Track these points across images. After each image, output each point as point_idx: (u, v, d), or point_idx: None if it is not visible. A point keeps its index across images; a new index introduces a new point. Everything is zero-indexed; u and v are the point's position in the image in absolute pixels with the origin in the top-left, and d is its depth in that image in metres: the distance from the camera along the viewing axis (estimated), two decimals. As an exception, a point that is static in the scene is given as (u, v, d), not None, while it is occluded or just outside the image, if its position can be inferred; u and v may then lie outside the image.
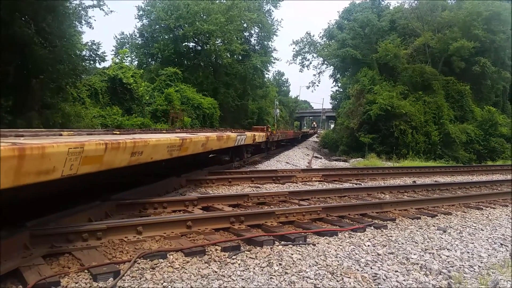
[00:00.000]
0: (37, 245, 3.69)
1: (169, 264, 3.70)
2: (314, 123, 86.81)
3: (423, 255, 4.57)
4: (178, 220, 4.73)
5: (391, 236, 5.31)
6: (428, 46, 31.28)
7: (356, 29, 35.45)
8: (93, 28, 15.70)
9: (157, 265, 3.66)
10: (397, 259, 4.39)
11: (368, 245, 4.81)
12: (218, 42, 31.93)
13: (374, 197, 8.16)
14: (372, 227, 5.65)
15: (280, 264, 3.93)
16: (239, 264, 3.86)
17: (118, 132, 7.87)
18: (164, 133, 9.68)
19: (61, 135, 5.74)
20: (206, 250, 4.11)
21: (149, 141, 5.21)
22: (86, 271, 3.40)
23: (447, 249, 4.88)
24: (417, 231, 5.71)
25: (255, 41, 40.34)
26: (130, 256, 3.77)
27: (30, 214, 4.26)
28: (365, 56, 34.57)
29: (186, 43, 34.03)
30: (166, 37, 32.48)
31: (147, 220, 4.58)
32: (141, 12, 33.16)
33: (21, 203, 4.73)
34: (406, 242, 5.07)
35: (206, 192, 7.99)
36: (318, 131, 73.32)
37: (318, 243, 4.73)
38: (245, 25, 35.49)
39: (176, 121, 22.35)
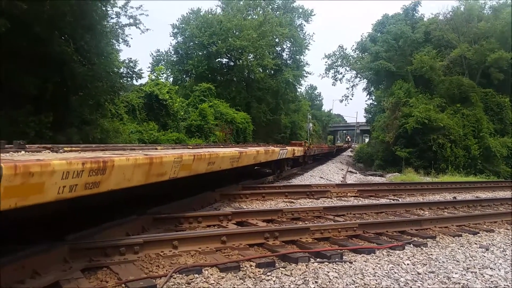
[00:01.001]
0: (76, 259, 3.77)
1: (204, 280, 3.70)
2: (348, 137, 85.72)
3: (465, 274, 4.37)
4: (213, 235, 4.74)
5: (431, 255, 5.12)
6: (465, 57, 30.44)
7: (389, 41, 35.02)
8: (130, 46, 16.19)
9: (193, 280, 3.66)
10: (438, 278, 4.21)
11: (408, 264, 4.65)
12: (250, 58, 32.29)
13: (412, 214, 7.93)
14: (411, 245, 5.48)
15: (316, 282, 3.85)
16: (274, 281, 3.81)
17: (190, 147, 10.26)
18: (221, 147, 10.97)
19: (156, 149, 7.38)
20: (241, 266, 4.09)
21: (219, 154, 6.69)
22: (123, 285, 3.44)
23: (490, 268, 4.66)
24: (458, 249, 5.48)
25: (287, 55, 40.56)
26: (166, 270, 3.79)
27: (69, 227, 4.37)
28: (399, 69, 34.02)
29: (219, 59, 34.59)
30: (199, 53, 33.15)
31: (182, 235, 4.61)
32: (175, 30, 34.07)
33: (61, 216, 4.89)
34: (447, 261, 4.87)
35: (240, 207, 7.99)
36: (352, 145, 72.31)
37: (355, 261, 4.62)
38: (277, 40, 35.75)
39: (226, 137, 23.28)
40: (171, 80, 33.36)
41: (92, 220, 4.76)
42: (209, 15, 33.54)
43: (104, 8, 12.90)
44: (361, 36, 42.68)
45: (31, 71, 10.77)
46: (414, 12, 38.65)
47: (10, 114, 10.67)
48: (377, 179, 20.32)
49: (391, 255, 4.97)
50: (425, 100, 29.18)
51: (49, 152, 4.66)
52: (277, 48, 37.74)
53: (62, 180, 3.06)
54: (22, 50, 10.56)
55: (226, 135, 24.55)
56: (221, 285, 3.62)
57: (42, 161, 2.96)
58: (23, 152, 4.27)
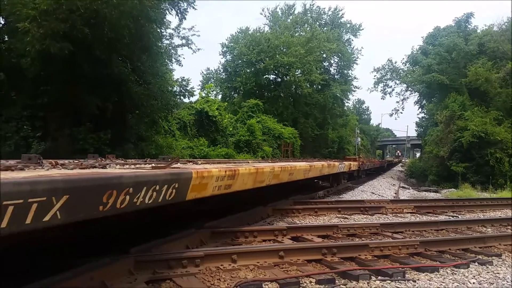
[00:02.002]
0: (141, 271, 3.88)
1: (265, 295, 3.69)
2: (399, 151, 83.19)
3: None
4: (271, 249, 4.73)
5: (498, 273, 4.85)
6: (522, 69, 28.80)
7: (442, 53, 33.90)
8: (182, 66, 16.81)
9: (254, 294, 3.66)
10: (509, 299, 3.96)
11: (474, 283, 4.44)
12: (297, 73, 32.42)
13: (474, 231, 7.53)
14: (476, 263, 5.23)
15: (379, 300, 3.73)
16: (335, 298, 3.73)
17: (271, 161, 11.90)
18: (291, 162, 11.92)
19: (248, 162, 8.84)
20: (301, 282, 4.04)
21: (296, 166, 8.12)
22: (187, 297, 3.50)
23: None
24: (527, 268, 5.13)
25: (335, 70, 40.37)
26: (228, 284, 3.82)
27: (130, 240, 4.52)
28: (452, 81, 32.79)
29: (267, 76, 35.01)
30: (248, 70, 33.72)
31: (241, 249, 4.64)
32: (225, 49, 34.96)
33: (125, 231, 5.09)
34: (517, 281, 4.57)
35: (293, 221, 7.94)
36: (403, 160, 70.06)
37: (418, 279, 4.44)
38: (324, 55, 35.73)
39: (286, 152, 23.96)
40: (220, 97, 34.15)
41: (153, 234, 4.90)
42: (257, 34, 34.19)
43: (159, 30, 13.49)
44: (412, 48, 41.64)
45: (92, 91, 11.41)
46: (467, 24, 37.29)
47: (71, 132, 11.33)
48: (433, 195, 19.51)
49: (455, 274, 4.76)
50: (481, 113, 27.90)
51: (192, 164, 6.14)
52: (324, 63, 37.68)
53: (215, 182, 4.46)
54: (84, 71, 11.23)
55: (284, 151, 25.63)
56: (282, 300, 3.59)
57: (207, 169, 4.38)
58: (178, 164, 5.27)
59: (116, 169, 3.91)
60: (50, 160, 4.28)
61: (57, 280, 3.16)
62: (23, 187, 2.21)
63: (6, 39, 11.66)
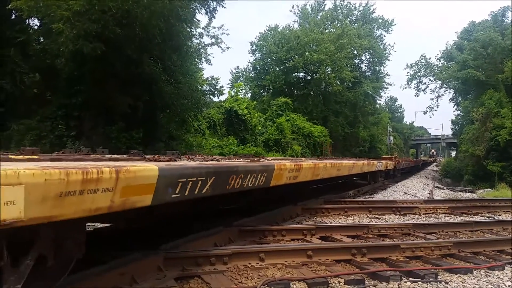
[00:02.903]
0: (170, 268, 3.91)
1: (292, 294, 3.64)
2: (433, 150, 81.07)
3: None
4: (299, 249, 4.68)
5: (535, 276, 4.60)
6: (562, 64, 27.43)
7: (477, 49, 32.70)
8: (211, 65, 16.90)
9: (281, 294, 3.63)
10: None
11: (509, 285, 4.27)
12: (327, 71, 32.06)
13: (510, 232, 7.21)
14: (511, 265, 5.00)
15: (411, 302, 3.61)
16: (366, 300, 3.64)
17: (318, 159, 13.13)
18: (335, 159, 13.09)
19: (301, 160, 9.88)
20: (329, 282, 3.97)
21: (342, 163, 9.41)
22: (214, 294, 3.51)
23: None
24: None
25: (366, 67, 39.71)
26: (255, 282, 3.80)
27: (161, 238, 4.57)
28: (489, 78, 31.61)
29: (296, 74, 34.80)
30: (277, 69, 33.62)
31: (269, 248, 4.61)
32: (254, 47, 34.98)
33: (155, 228, 5.16)
34: (556, 284, 4.33)
35: (322, 221, 7.84)
36: (438, 159, 68.20)
37: (450, 281, 4.29)
38: (355, 52, 35.18)
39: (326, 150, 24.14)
40: (249, 96, 34.20)
41: (183, 231, 4.94)
42: (287, 31, 34.01)
43: (189, 29, 13.62)
44: (446, 44, 40.35)
45: (124, 91, 11.65)
46: (503, 18, 35.84)
47: (104, 131, 11.61)
48: (468, 195, 18.87)
49: (489, 276, 4.58)
50: (519, 110, 26.76)
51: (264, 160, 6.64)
52: (355, 60, 37.11)
53: (288, 173, 5.63)
54: (116, 71, 11.48)
55: (325, 150, 26.42)
56: (310, 300, 3.53)
57: (283, 163, 5.63)
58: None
59: (230, 161, 5.24)
60: (184, 155, 5.73)
61: (85, 275, 3.22)
62: (197, 170, 3.44)
63: (42, 40, 12.06)
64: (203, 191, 3.51)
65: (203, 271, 3.93)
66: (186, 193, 3.27)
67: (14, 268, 2.23)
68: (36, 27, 12.31)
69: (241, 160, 5.73)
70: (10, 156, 3.31)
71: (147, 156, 4.39)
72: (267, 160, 6.38)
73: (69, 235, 2.63)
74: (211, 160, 4.96)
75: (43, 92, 11.93)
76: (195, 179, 3.35)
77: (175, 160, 4.06)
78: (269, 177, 5.01)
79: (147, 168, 2.82)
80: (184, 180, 3.22)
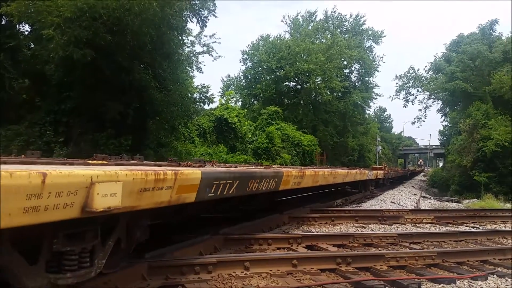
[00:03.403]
0: (154, 276, 3.91)
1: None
2: (421, 160, 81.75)
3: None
4: (284, 258, 4.72)
5: (518, 287, 4.69)
6: (547, 77, 27.97)
7: (465, 61, 33.22)
8: (203, 73, 16.94)
9: (265, 302, 3.65)
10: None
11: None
12: (318, 81, 32.29)
13: (495, 242, 7.37)
14: (494, 276, 5.10)
15: (393, 312, 3.66)
16: (348, 309, 3.69)
17: (316, 167, 13.21)
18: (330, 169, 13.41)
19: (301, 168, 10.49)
20: (313, 291, 4.01)
21: (338, 172, 10.56)
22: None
23: None
24: (549, 282, 4.95)
25: (356, 77, 40.04)
26: (239, 291, 3.82)
27: (147, 245, 4.55)
28: (476, 89, 32.11)
29: (287, 83, 34.99)
30: (268, 78, 33.77)
31: (254, 256, 4.65)
32: (245, 56, 35.14)
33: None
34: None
35: (308, 230, 7.89)
36: (425, 169, 68.82)
37: (434, 291, 4.35)
38: (345, 62, 35.52)
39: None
40: (240, 104, 34.29)
41: (168, 239, 4.95)
42: (278, 41, 34.27)
43: (180, 38, 13.66)
44: (435, 56, 40.96)
45: (114, 98, 11.62)
46: (491, 31, 36.50)
47: (93, 137, 11.55)
48: (454, 205, 19.07)
49: (472, 286, 4.67)
50: (505, 122, 27.19)
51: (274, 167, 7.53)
52: (345, 71, 37.43)
53: (293, 179, 6.49)
54: (106, 78, 11.47)
55: (320, 160, 27.13)
56: (293, 309, 3.57)
57: (289, 170, 6.62)
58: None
59: (251, 168, 6.24)
60: (208, 162, 6.18)
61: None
62: (226, 174, 4.22)
63: (32, 46, 12.02)
64: (230, 192, 4.27)
65: (187, 280, 3.94)
66: (218, 193, 4.02)
67: (102, 247, 3.00)
68: (26, 33, 12.26)
69: (253, 167, 6.59)
70: (87, 161, 4.03)
71: (181, 163, 4.92)
72: (277, 167, 7.50)
73: (138, 223, 3.45)
74: (236, 167, 5.94)
75: (32, 97, 11.84)
76: (225, 181, 4.12)
77: (204, 166, 4.57)
78: (279, 182, 5.86)
79: (194, 172, 3.59)
80: (218, 182, 3.98)
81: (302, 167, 11.22)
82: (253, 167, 6.58)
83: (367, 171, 15.25)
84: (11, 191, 1.95)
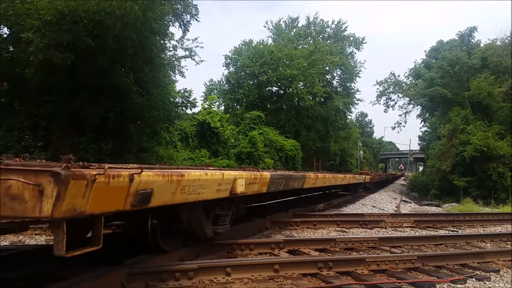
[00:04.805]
0: (133, 283, 3.83)
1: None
2: (401, 165, 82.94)
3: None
4: (266, 263, 4.70)
5: (496, 290, 4.79)
6: (524, 83, 28.80)
7: (445, 67, 33.92)
8: (185, 77, 16.89)
9: (246, 308, 3.64)
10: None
11: (471, 300, 4.37)
12: (300, 86, 32.53)
13: (474, 246, 7.48)
14: (473, 279, 5.17)
15: (373, 315, 3.69)
16: (329, 313, 3.70)
17: (312, 172, 14.72)
18: (323, 172, 16.43)
19: (298, 172, 11.83)
20: (295, 296, 4.02)
21: (338, 176, 12.67)
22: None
23: None
24: (526, 285, 5.07)
25: (338, 83, 40.49)
26: (220, 297, 3.80)
27: (126, 251, 4.49)
28: (455, 95, 32.78)
29: (269, 88, 35.13)
30: (250, 82, 33.86)
31: (235, 262, 4.62)
32: (228, 61, 35.16)
33: (119, 241, 5.08)
34: (515, 298, 4.52)
35: (291, 235, 7.90)
36: (405, 173, 69.82)
37: (414, 295, 4.40)
38: (327, 68, 35.87)
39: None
40: (223, 109, 34.23)
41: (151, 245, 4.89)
42: (261, 46, 34.40)
43: (162, 42, 13.59)
44: (414, 62, 41.69)
45: (94, 102, 11.47)
46: (470, 38, 37.41)
47: (73, 142, 11.36)
48: (434, 209, 19.36)
49: (452, 290, 4.71)
50: (484, 127, 27.83)
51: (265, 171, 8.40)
52: (327, 76, 37.81)
53: (312, 180, 9.03)
54: (86, 82, 11.31)
55: (316, 167, 28.58)
56: (275, 314, 3.56)
57: (309, 173, 9.60)
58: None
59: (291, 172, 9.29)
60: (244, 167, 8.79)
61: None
62: (280, 176, 6.70)
63: (11, 49, 11.78)
64: (280, 188, 6.57)
65: (167, 287, 3.90)
66: (275, 188, 6.25)
67: (231, 214, 5.72)
68: (5, 35, 12.01)
69: (291, 172, 9.27)
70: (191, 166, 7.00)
71: (246, 168, 7.08)
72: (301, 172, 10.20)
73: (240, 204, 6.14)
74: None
75: (11, 101, 11.60)
76: (279, 180, 6.39)
77: (258, 171, 6.38)
78: (304, 182, 8.29)
79: (267, 174, 5.95)
80: (276, 181, 6.22)
81: (310, 172, 13.47)
82: (291, 172, 9.85)
83: (357, 176, 18.21)
84: (213, 181, 4.15)
